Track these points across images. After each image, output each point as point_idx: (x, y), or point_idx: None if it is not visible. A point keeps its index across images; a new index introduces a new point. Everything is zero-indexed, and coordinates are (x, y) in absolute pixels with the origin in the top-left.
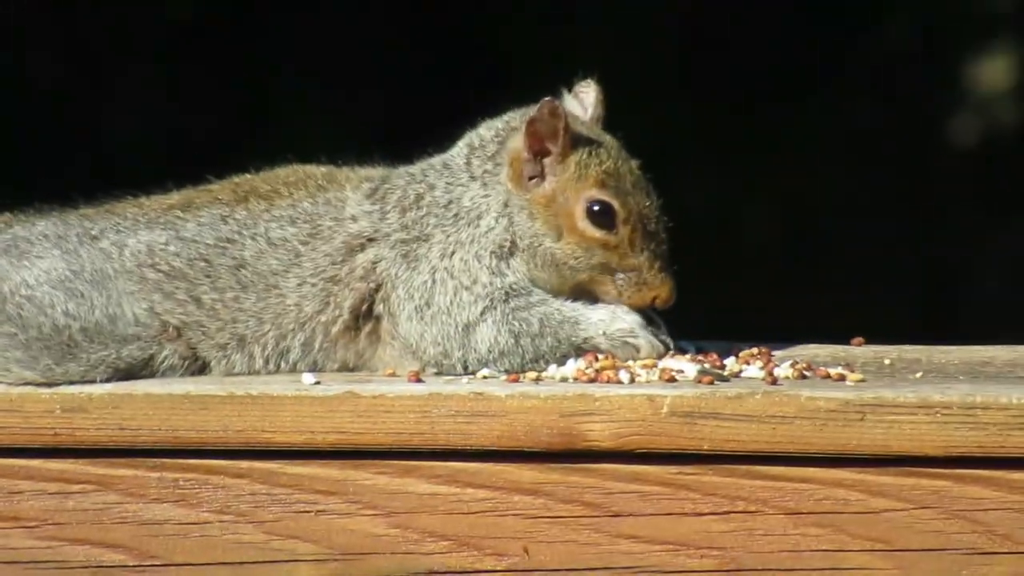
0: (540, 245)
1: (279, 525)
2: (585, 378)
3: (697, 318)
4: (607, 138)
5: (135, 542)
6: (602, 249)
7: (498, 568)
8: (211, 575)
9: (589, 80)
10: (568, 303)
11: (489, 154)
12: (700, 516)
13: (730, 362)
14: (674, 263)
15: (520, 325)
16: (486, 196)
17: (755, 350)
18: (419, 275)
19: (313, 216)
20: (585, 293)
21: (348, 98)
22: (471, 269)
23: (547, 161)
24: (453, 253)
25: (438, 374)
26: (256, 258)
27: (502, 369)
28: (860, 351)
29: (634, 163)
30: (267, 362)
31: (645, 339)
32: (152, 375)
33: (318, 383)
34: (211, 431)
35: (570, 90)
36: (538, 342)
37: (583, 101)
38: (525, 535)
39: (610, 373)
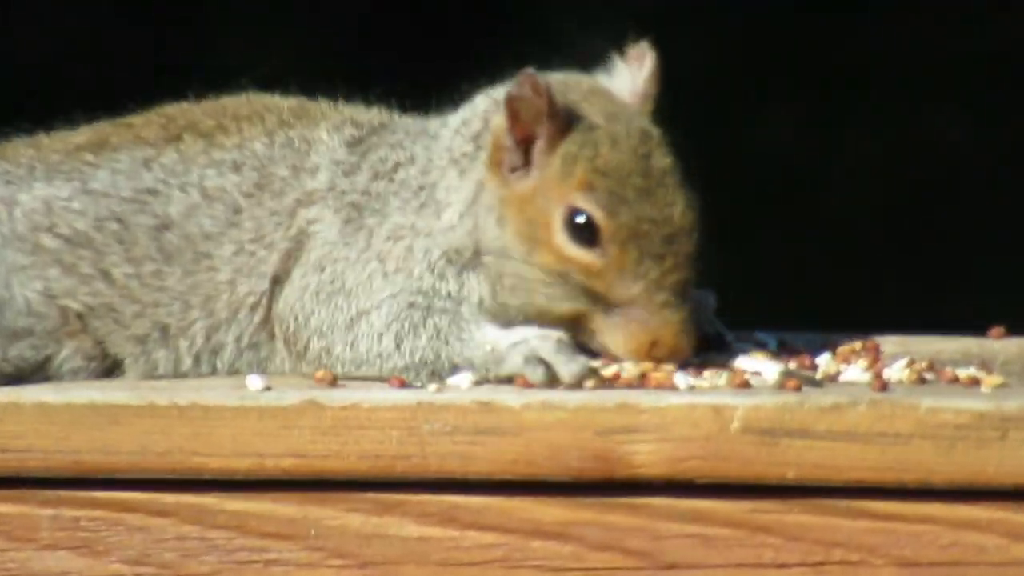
0: (508, 260)
1: None
2: (625, 383)
3: (777, 302)
4: (634, 122)
5: None
6: (583, 274)
7: None
8: None
9: (644, 44)
10: (486, 324)
11: (473, 132)
12: (784, 568)
13: (824, 360)
14: (686, 299)
15: (406, 327)
16: (458, 187)
17: (858, 344)
18: (348, 249)
19: (265, 161)
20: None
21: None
22: (408, 259)
23: (536, 149)
24: (401, 239)
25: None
26: (185, 216)
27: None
28: (1000, 345)
29: (661, 159)
30: (197, 361)
31: (526, 360)
32: (47, 380)
33: (268, 389)
34: (124, 454)
35: (622, 56)
36: (416, 354)
37: (634, 73)
38: None
39: (662, 376)
